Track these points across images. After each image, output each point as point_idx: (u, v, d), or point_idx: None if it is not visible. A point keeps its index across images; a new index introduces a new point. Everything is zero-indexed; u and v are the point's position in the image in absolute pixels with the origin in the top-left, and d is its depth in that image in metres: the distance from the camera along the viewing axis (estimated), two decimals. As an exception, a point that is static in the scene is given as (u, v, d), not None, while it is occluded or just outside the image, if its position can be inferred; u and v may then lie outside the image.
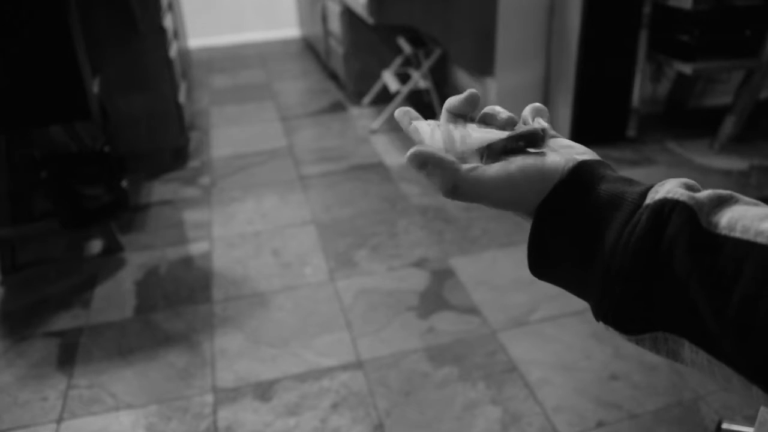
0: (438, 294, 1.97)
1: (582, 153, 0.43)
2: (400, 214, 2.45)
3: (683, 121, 3.19)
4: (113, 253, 2.26)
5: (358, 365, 1.70)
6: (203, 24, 5.12)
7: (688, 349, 0.35)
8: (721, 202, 0.35)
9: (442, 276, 2.06)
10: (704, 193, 0.36)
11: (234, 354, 1.76)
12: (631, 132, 2.96)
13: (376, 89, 3.60)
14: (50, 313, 1.96)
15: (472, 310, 1.89)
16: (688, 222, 0.34)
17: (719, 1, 2.57)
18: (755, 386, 0.32)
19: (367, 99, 3.64)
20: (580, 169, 0.40)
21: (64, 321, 1.92)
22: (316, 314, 1.91)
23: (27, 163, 2.17)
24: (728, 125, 2.86)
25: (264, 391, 1.63)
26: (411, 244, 2.24)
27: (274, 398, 1.61)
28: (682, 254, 0.34)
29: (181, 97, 2.98)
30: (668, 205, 0.35)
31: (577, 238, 0.39)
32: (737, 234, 0.32)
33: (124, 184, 2.23)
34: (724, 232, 0.33)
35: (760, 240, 0.31)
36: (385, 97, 3.51)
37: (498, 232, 2.26)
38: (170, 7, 3.20)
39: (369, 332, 1.82)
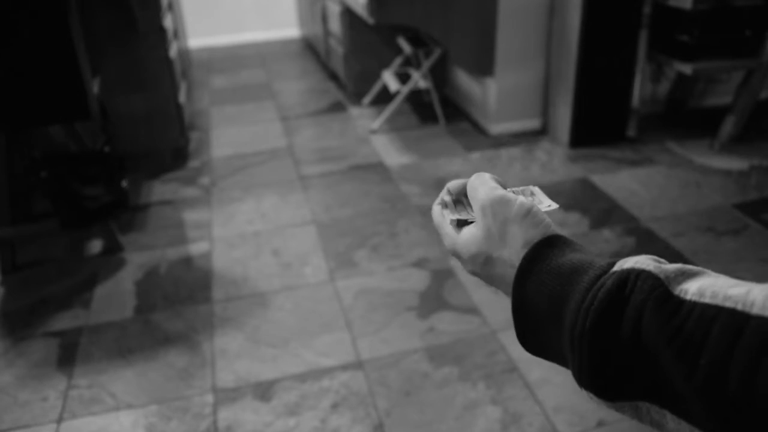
0: (438, 294, 1.97)
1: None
2: (400, 214, 2.45)
3: (683, 121, 3.19)
4: (113, 253, 2.26)
5: (358, 365, 1.70)
6: (203, 24, 5.12)
7: (670, 419, 0.34)
8: (691, 275, 0.35)
9: (442, 276, 2.06)
10: (672, 266, 0.36)
11: (234, 354, 1.76)
12: (631, 132, 2.96)
13: (376, 89, 3.60)
14: (50, 313, 1.96)
15: (472, 310, 1.89)
16: (656, 288, 0.34)
17: (719, 1, 2.57)
18: None
19: (367, 99, 3.64)
20: (554, 237, 0.43)
21: (64, 321, 1.92)
22: (316, 314, 1.91)
23: (27, 163, 2.17)
24: (728, 125, 2.86)
25: (264, 391, 1.63)
26: (411, 244, 2.24)
27: (274, 398, 1.61)
28: (649, 317, 0.33)
29: (181, 97, 2.98)
30: (635, 272, 0.35)
31: (550, 300, 0.40)
32: (707, 300, 0.32)
33: (124, 184, 2.23)
34: (693, 298, 0.33)
35: (728, 304, 0.31)
36: (385, 97, 3.50)
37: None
38: (170, 7, 3.20)
39: (369, 332, 1.82)
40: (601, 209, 2.41)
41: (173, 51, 2.94)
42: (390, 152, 3.02)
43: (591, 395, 0.37)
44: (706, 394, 0.31)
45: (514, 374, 1.64)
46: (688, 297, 0.33)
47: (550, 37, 2.91)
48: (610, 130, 2.95)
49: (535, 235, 0.43)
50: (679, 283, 0.34)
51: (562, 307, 0.38)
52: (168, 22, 2.92)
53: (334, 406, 1.57)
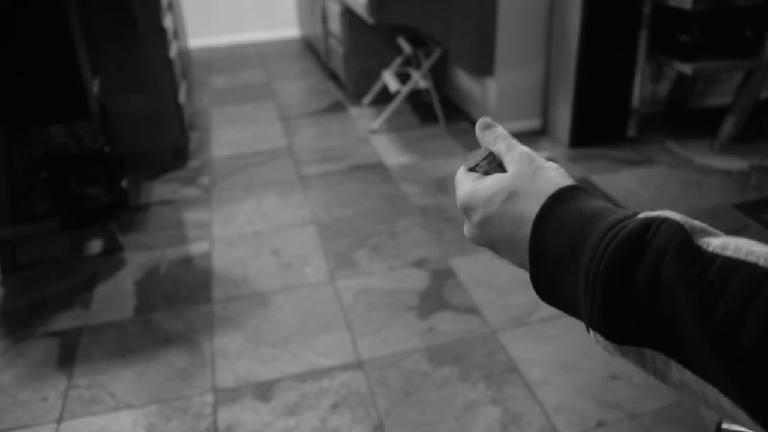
0: (438, 294, 1.97)
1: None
2: (400, 214, 2.45)
3: (683, 121, 3.19)
4: (113, 253, 2.26)
5: (358, 365, 1.70)
6: (203, 24, 5.12)
7: (675, 369, 0.34)
8: (714, 233, 0.35)
9: (442, 276, 2.06)
10: (698, 222, 0.36)
11: (234, 354, 1.76)
12: (631, 132, 2.96)
13: (376, 89, 3.60)
14: (50, 313, 1.96)
15: (472, 310, 1.89)
16: (679, 234, 0.34)
17: (719, 1, 2.57)
18: (740, 409, 0.31)
19: (367, 99, 3.64)
20: (582, 187, 0.43)
21: (64, 321, 1.92)
22: (316, 314, 1.91)
23: (27, 163, 2.17)
24: (728, 125, 2.86)
25: (264, 391, 1.63)
26: (411, 244, 2.24)
27: (274, 398, 1.61)
28: (670, 261, 0.33)
29: (181, 97, 2.98)
30: (659, 219, 0.35)
31: (569, 238, 0.39)
32: (729, 253, 0.32)
33: (124, 184, 2.23)
34: (716, 250, 0.33)
35: (751, 259, 0.31)
36: (385, 97, 3.50)
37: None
38: (170, 7, 3.20)
39: (369, 332, 1.82)
40: (601, 209, 2.41)
41: (173, 51, 2.94)
42: (390, 152, 3.02)
43: (598, 338, 0.37)
44: (719, 342, 0.31)
45: (514, 374, 1.64)
46: (711, 248, 0.33)
47: (550, 37, 2.91)
48: (610, 130, 2.95)
49: (565, 182, 0.43)
50: (703, 236, 0.34)
51: (580, 246, 0.38)
52: (168, 22, 2.92)
53: (334, 406, 1.57)
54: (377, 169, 2.85)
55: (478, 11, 2.80)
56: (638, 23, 2.74)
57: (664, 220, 0.35)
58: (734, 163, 2.73)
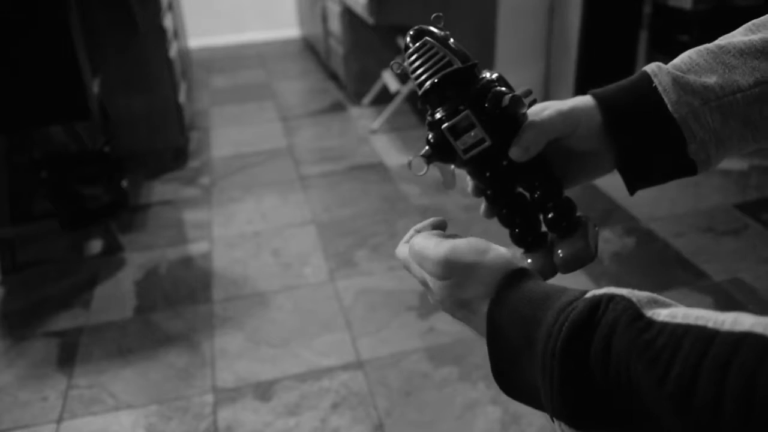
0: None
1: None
2: (400, 214, 2.45)
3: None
4: (113, 253, 2.26)
5: (358, 365, 1.70)
6: (203, 24, 5.12)
7: None
8: (663, 303, 0.35)
9: (442, 276, 2.05)
10: (645, 293, 0.36)
11: (234, 354, 1.76)
12: (631, 132, 2.96)
13: (376, 89, 3.60)
14: (50, 313, 1.96)
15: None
16: (628, 309, 0.34)
17: (719, 1, 2.57)
18: None
19: (367, 99, 3.64)
20: (522, 269, 0.44)
21: (64, 321, 1.92)
22: (316, 314, 1.91)
23: (27, 163, 2.17)
24: (728, 125, 2.86)
25: (264, 391, 1.63)
26: (411, 244, 2.24)
27: (274, 398, 1.61)
28: (621, 333, 0.33)
29: (181, 97, 2.98)
30: (607, 296, 0.36)
31: (523, 326, 0.40)
32: (678, 320, 0.32)
33: (124, 184, 2.23)
34: (665, 319, 0.33)
35: (700, 322, 0.31)
36: (385, 97, 3.50)
37: (498, 233, 2.25)
38: (170, 7, 3.20)
39: (369, 332, 1.82)
40: (601, 209, 2.41)
41: (173, 51, 2.94)
42: (390, 152, 3.02)
43: (563, 427, 0.37)
44: (677, 405, 0.31)
45: (514, 374, 1.64)
46: (660, 318, 0.33)
47: (550, 37, 2.91)
48: (610, 130, 2.95)
49: (502, 266, 0.44)
50: (652, 307, 0.35)
51: (534, 331, 0.38)
52: (168, 22, 2.92)
53: (334, 406, 1.57)
54: (377, 169, 2.85)
55: (477, 11, 2.80)
56: (638, 23, 2.74)
57: (611, 298, 0.35)
58: (734, 163, 2.73)
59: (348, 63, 3.62)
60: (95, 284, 2.10)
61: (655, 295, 0.36)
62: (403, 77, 3.38)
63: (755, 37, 0.51)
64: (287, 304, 1.96)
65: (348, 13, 3.45)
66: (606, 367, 0.34)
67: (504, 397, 1.64)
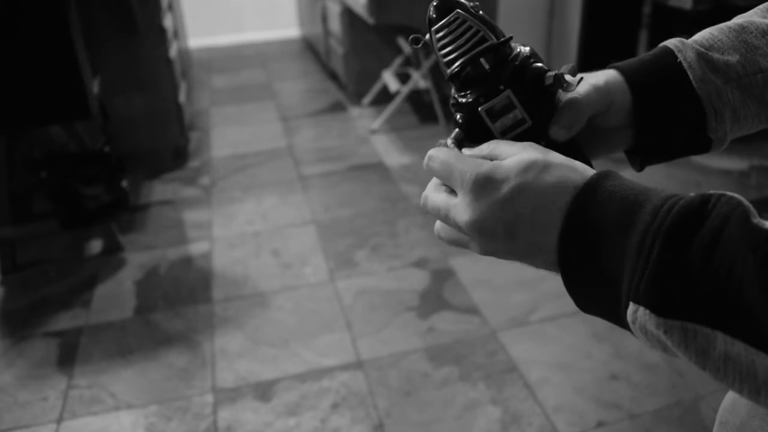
0: (438, 294, 1.97)
1: None
2: (400, 214, 2.45)
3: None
4: (113, 253, 2.26)
5: (358, 365, 1.70)
6: (203, 24, 5.12)
7: (721, 342, 0.33)
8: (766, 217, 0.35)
9: (442, 276, 2.06)
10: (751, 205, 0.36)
11: (234, 354, 1.76)
12: (631, 132, 2.96)
13: (376, 89, 3.60)
14: (50, 313, 1.96)
15: (472, 310, 1.89)
16: (740, 207, 0.34)
17: (719, 1, 2.57)
18: None
19: (367, 99, 3.64)
20: (614, 172, 0.41)
21: (64, 321, 1.92)
22: (316, 314, 1.91)
23: (27, 163, 2.17)
24: (728, 125, 2.86)
25: (264, 391, 1.63)
26: (411, 244, 2.24)
27: (274, 398, 1.61)
28: (732, 228, 0.33)
29: (181, 97, 2.98)
30: (716, 194, 0.35)
31: (622, 205, 0.37)
32: None
33: (124, 184, 2.23)
34: None
35: None
36: (385, 97, 3.51)
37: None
38: (170, 7, 3.20)
39: (369, 332, 1.82)
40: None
41: (173, 51, 2.94)
42: (390, 152, 3.02)
43: (639, 314, 0.35)
44: None
45: (514, 374, 1.64)
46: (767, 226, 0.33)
47: (550, 37, 2.91)
48: (610, 130, 2.95)
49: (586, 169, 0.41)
50: (757, 217, 0.34)
51: (634, 214, 0.36)
52: (168, 22, 2.92)
53: (334, 406, 1.57)
54: (377, 169, 2.85)
55: (478, 11, 2.80)
56: (638, 23, 2.74)
57: (723, 194, 0.35)
58: (734, 163, 2.73)
59: (348, 63, 3.62)
60: (95, 284, 2.10)
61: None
62: (403, 77, 3.38)
63: None
64: (287, 304, 1.96)
65: (348, 13, 3.45)
66: (710, 256, 0.33)
67: (504, 396, 1.64)
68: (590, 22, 2.65)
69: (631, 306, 0.35)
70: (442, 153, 0.44)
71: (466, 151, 0.45)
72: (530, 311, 1.86)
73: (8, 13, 1.79)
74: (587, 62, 2.71)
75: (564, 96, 0.46)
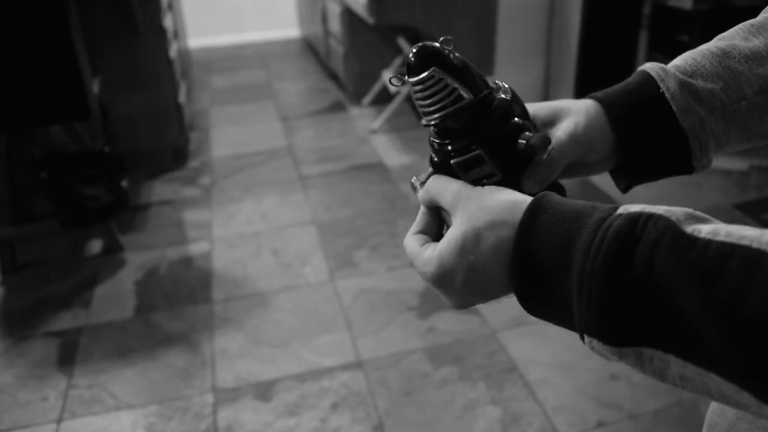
0: (438, 294, 1.97)
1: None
2: (400, 214, 2.45)
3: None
4: (113, 253, 2.26)
5: (358, 365, 1.70)
6: (203, 24, 5.12)
7: (674, 364, 0.34)
8: (700, 218, 0.35)
9: (442, 276, 2.05)
10: (680, 209, 0.35)
11: (234, 354, 1.76)
12: (631, 132, 2.96)
13: (376, 89, 3.60)
14: (50, 313, 1.96)
15: (472, 310, 1.89)
16: (668, 228, 0.34)
17: (719, 1, 2.57)
18: (745, 392, 0.31)
19: (367, 99, 3.64)
20: (546, 194, 0.42)
21: (64, 321, 1.92)
22: (316, 314, 1.91)
23: (27, 163, 2.17)
24: (728, 125, 2.86)
25: (264, 391, 1.63)
26: (411, 244, 2.24)
27: (274, 398, 1.61)
28: (664, 252, 0.33)
29: (181, 97, 2.98)
30: (644, 215, 0.35)
31: (558, 245, 0.39)
32: (721, 238, 0.32)
33: (124, 184, 2.23)
34: (708, 236, 0.32)
35: (744, 242, 0.31)
36: (385, 97, 3.51)
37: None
38: (170, 7, 3.20)
39: (369, 332, 1.82)
40: (601, 209, 2.41)
41: (173, 51, 2.94)
42: (390, 152, 3.02)
43: (595, 344, 0.37)
44: (722, 322, 0.30)
45: (514, 374, 1.64)
46: (702, 235, 0.33)
47: (550, 37, 2.91)
48: (610, 130, 2.95)
49: (523, 200, 0.42)
50: (691, 223, 0.34)
51: (569, 250, 0.37)
52: (168, 22, 2.92)
53: (334, 406, 1.57)
54: (377, 169, 2.85)
55: (477, 11, 2.80)
56: (638, 23, 2.74)
57: (650, 216, 0.35)
58: (734, 163, 2.73)
59: (348, 63, 3.62)
60: (95, 284, 2.10)
61: (691, 210, 0.35)
62: (403, 77, 3.38)
63: (759, 42, 0.51)
64: (287, 304, 1.96)
65: (348, 13, 3.45)
66: (647, 287, 0.33)
67: (504, 396, 1.64)
68: (590, 22, 2.65)
69: (586, 337, 0.37)
70: (407, 248, 0.49)
71: (426, 186, 0.49)
72: (530, 311, 1.86)
73: (8, 13, 1.79)
74: (587, 62, 2.71)
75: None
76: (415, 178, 0.49)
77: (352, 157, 2.99)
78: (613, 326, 0.35)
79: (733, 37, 0.53)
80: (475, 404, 1.56)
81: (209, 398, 1.61)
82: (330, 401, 1.59)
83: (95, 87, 2.07)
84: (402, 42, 3.31)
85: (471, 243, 0.43)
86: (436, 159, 0.47)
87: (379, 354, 1.74)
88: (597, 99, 0.51)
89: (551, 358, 1.69)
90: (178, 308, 1.96)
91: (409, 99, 3.48)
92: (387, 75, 3.40)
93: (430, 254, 0.46)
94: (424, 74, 0.42)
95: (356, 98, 3.71)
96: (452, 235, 0.44)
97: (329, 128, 3.37)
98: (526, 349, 1.72)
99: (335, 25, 3.67)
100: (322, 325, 1.86)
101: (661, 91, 0.49)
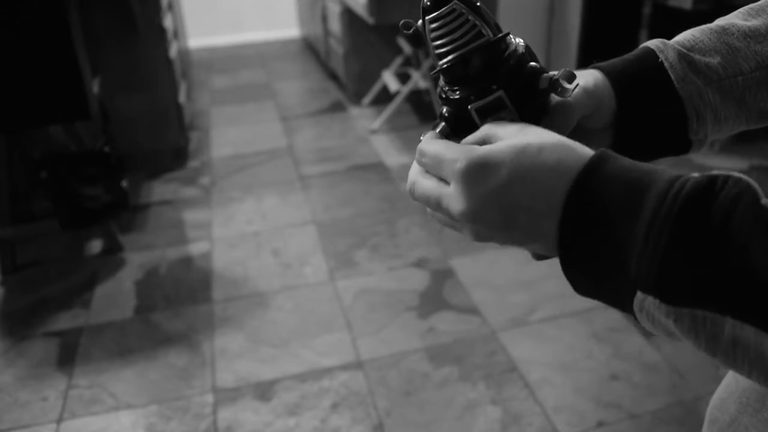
0: (438, 294, 1.97)
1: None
2: (400, 214, 2.45)
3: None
4: (113, 253, 2.26)
5: (358, 365, 1.70)
6: (203, 24, 5.12)
7: (730, 327, 0.32)
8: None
9: (442, 276, 2.06)
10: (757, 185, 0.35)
11: (234, 354, 1.76)
12: (631, 132, 2.96)
13: (376, 89, 3.60)
14: (50, 313, 1.96)
15: (472, 310, 1.89)
16: (748, 189, 0.33)
17: (719, 1, 2.57)
18: None
19: (367, 99, 3.64)
20: (612, 152, 0.39)
21: (64, 321, 1.92)
22: (316, 314, 1.91)
23: (27, 163, 2.17)
24: (728, 125, 2.86)
25: (264, 391, 1.63)
26: (411, 244, 2.24)
27: (274, 398, 1.61)
28: (743, 209, 0.32)
29: (181, 97, 2.98)
30: (722, 176, 0.34)
31: (626, 187, 0.36)
32: None
33: (124, 184, 2.23)
34: None
35: None
36: (385, 97, 3.51)
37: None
38: (170, 7, 3.20)
39: (369, 332, 1.82)
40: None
41: (173, 51, 2.94)
42: (390, 152, 3.02)
43: (647, 303, 0.34)
44: None
45: (514, 374, 1.64)
46: None
47: (550, 37, 2.91)
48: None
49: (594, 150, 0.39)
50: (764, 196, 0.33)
51: (641, 194, 0.35)
52: (168, 21, 2.92)
53: (334, 406, 1.57)
54: (377, 169, 2.85)
55: (478, 11, 2.80)
56: (638, 23, 2.74)
57: (729, 175, 0.34)
58: (734, 163, 2.73)
59: (348, 63, 3.62)
60: (95, 284, 2.10)
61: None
62: (403, 77, 3.38)
63: (757, 22, 0.51)
64: (287, 304, 1.96)
65: (348, 13, 3.45)
66: (721, 240, 0.32)
67: (504, 396, 1.63)
68: (590, 22, 2.65)
69: (639, 295, 0.35)
70: (431, 144, 0.42)
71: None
72: (530, 311, 1.86)
73: (8, 13, 1.79)
74: (587, 62, 2.71)
75: (554, 98, 0.45)
76: (424, 136, 0.45)
77: (352, 157, 2.99)
78: (676, 281, 0.33)
79: (732, 18, 0.54)
80: (475, 404, 1.56)
81: (209, 398, 1.61)
82: (330, 401, 1.59)
83: (95, 87, 2.07)
84: (402, 42, 3.31)
85: (533, 150, 0.38)
86: (449, 110, 0.44)
87: (379, 354, 1.74)
88: (599, 68, 0.51)
89: (551, 358, 1.69)
90: (178, 308, 1.96)
91: (409, 99, 3.48)
92: (387, 75, 3.40)
93: (473, 145, 0.40)
94: (445, 8, 0.40)
95: (356, 98, 3.71)
96: (513, 140, 0.39)
97: (329, 128, 3.37)
98: (526, 349, 1.72)
99: (335, 25, 3.67)
100: (322, 325, 1.86)
101: (660, 60, 0.49)
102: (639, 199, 0.35)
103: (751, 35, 0.50)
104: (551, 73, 0.43)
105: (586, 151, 0.38)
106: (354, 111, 3.60)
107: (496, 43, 0.41)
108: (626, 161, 0.37)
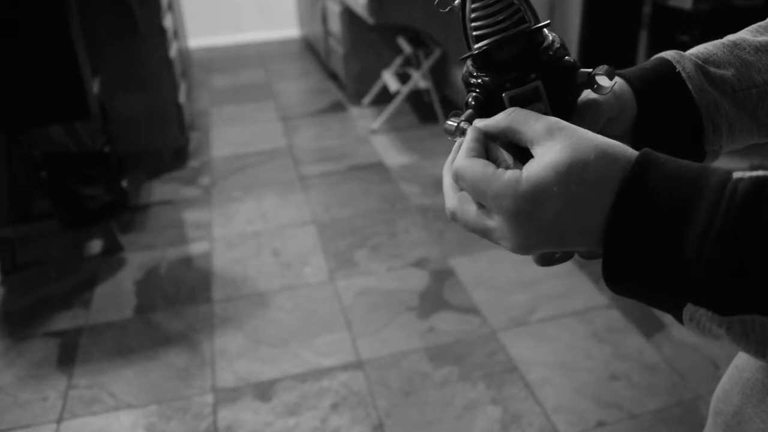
0: (438, 294, 1.97)
1: None
2: (400, 214, 2.45)
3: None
4: (113, 253, 2.26)
5: (358, 365, 1.70)
6: (203, 24, 5.12)
7: None
8: None
9: (442, 276, 2.06)
10: None
11: (234, 354, 1.76)
12: (631, 132, 2.96)
13: (376, 89, 3.60)
14: (50, 313, 1.96)
15: (472, 310, 1.89)
16: None
17: (719, 1, 2.57)
18: None
19: (367, 99, 3.64)
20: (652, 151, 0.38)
21: (64, 321, 1.92)
22: (316, 314, 1.91)
23: (27, 163, 2.17)
24: (728, 125, 2.86)
25: (264, 391, 1.63)
26: (411, 244, 2.24)
27: (274, 398, 1.61)
28: None
29: (181, 97, 2.98)
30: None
31: (671, 205, 0.35)
32: None
33: (124, 184, 2.23)
34: None
35: None
36: (385, 97, 3.50)
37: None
38: (170, 7, 3.20)
39: (369, 332, 1.82)
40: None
41: (173, 51, 2.94)
42: (390, 152, 3.02)
43: (700, 314, 0.34)
44: None
45: (514, 374, 1.64)
46: None
47: (550, 37, 2.91)
48: (610, 130, 2.95)
49: (631, 149, 0.38)
50: None
51: (690, 208, 0.34)
52: (168, 22, 2.92)
53: (334, 406, 1.57)
54: (377, 169, 2.85)
55: (478, 11, 2.80)
56: (638, 23, 2.74)
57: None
58: (734, 163, 2.73)
59: (348, 63, 3.62)
60: (95, 284, 2.10)
61: None
62: (403, 77, 3.38)
63: (767, 38, 0.52)
64: (287, 304, 1.96)
65: (348, 13, 3.45)
66: None
67: (504, 396, 1.63)
68: (590, 22, 2.65)
69: (690, 306, 0.34)
70: (468, 168, 0.40)
71: (479, 122, 0.42)
72: (530, 311, 1.86)
73: (8, 13, 1.79)
74: (587, 62, 2.70)
75: (583, 97, 0.45)
76: (448, 121, 0.43)
77: (352, 157, 2.99)
78: (732, 291, 0.33)
79: (742, 34, 0.54)
80: (475, 404, 1.56)
81: (209, 398, 1.61)
82: (330, 401, 1.59)
83: (95, 87, 2.07)
84: (402, 42, 3.31)
85: (577, 171, 0.37)
86: (477, 98, 0.42)
87: (379, 354, 1.74)
88: (619, 74, 0.51)
89: (551, 358, 1.69)
90: (178, 308, 1.96)
91: (409, 99, 3.48)
92: (387, 75, 3.40)
93: (515, 176, 0.38)
94: None
95: (356, 98, 3.71)
96: (554, 159, 0.37)
97: (329, 128, 3.37)
98: (526, 349, 1.72)
99: (335, 25, 3.67)
100: (322, 325, 1.86)
101: (677, 71, 0.49)
102: (689, 213, 0.34)
103: (762, 50, 0.51)
104: (585, 70, 0.42)
105: (627, 156, 0.38)
106: (354, 111, 3.60)
107: (538, 31, 0.40)
108: (670, 162, 0.37)
